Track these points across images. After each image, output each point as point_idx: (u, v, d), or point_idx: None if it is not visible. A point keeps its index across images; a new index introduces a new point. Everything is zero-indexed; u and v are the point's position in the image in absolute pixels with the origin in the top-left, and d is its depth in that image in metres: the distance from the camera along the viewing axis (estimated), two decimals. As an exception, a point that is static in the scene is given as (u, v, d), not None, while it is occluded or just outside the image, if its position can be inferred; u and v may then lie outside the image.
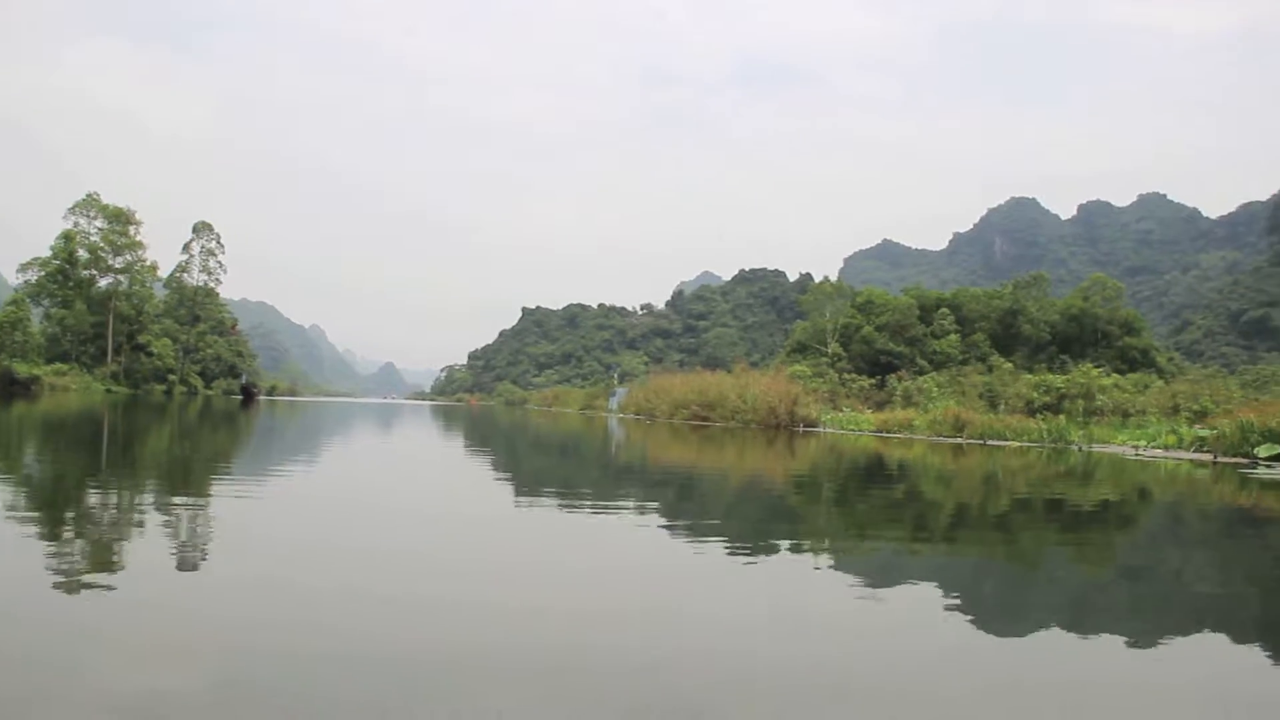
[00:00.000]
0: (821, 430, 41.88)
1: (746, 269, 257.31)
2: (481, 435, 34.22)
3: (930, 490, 15.59)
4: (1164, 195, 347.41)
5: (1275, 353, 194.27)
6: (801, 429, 41.98)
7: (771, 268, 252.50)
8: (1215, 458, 23.32)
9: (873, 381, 69.05)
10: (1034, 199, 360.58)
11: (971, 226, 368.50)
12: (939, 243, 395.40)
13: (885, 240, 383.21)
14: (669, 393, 53.93)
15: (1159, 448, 27.62)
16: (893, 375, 68.65)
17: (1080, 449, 28.70)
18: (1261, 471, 19.61)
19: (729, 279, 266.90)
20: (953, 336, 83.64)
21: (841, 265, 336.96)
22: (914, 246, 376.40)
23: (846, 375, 72.03)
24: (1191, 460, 23.48)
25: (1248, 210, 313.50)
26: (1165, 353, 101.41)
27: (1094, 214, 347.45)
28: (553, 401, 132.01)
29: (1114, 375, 50.56)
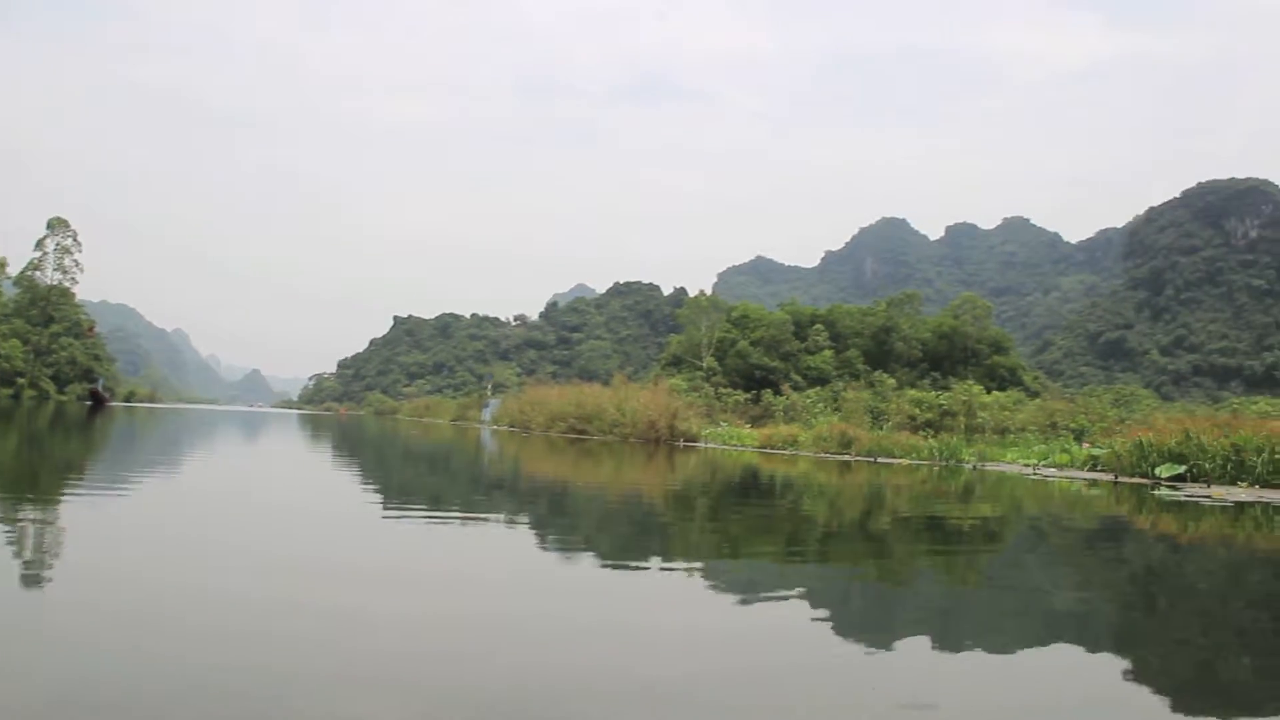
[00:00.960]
0: (703, 446, 40.83)
1: (621, 282, 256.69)
2: (350, 446, 33.04)
3: (817, 507, 15.26)
4: (1027, 220, 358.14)
5: (1130, 373, 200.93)
6: (682, 444, 40.87)
7: (646, 281, 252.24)
8: (1116, 478, 22.39)
9: (748, 396, 68.25)
10: (904, 220, 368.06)
11: (843, 245, 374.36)
12: (811, 260, 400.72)
13: (759, 256, 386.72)
14: (545, 404, 52.27)
15: (1051, 466, 26.98)
16: (767, 390, 68.03)
17: (975, 468, 27.77)
18: (1164, 492, 18.93)
19: (603, 291, 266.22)
20: (827, 353, 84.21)
21: (715, 280, 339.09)
22: (787, 263, 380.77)
23: (722, 389, 71.32)
24: (1091, 480, 22.71)
25: (1105, 236, 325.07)
26: (1030, 371, 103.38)
27: (961, 236, 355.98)
28: (424, 412, 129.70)
29: (994, 392, 50.24)
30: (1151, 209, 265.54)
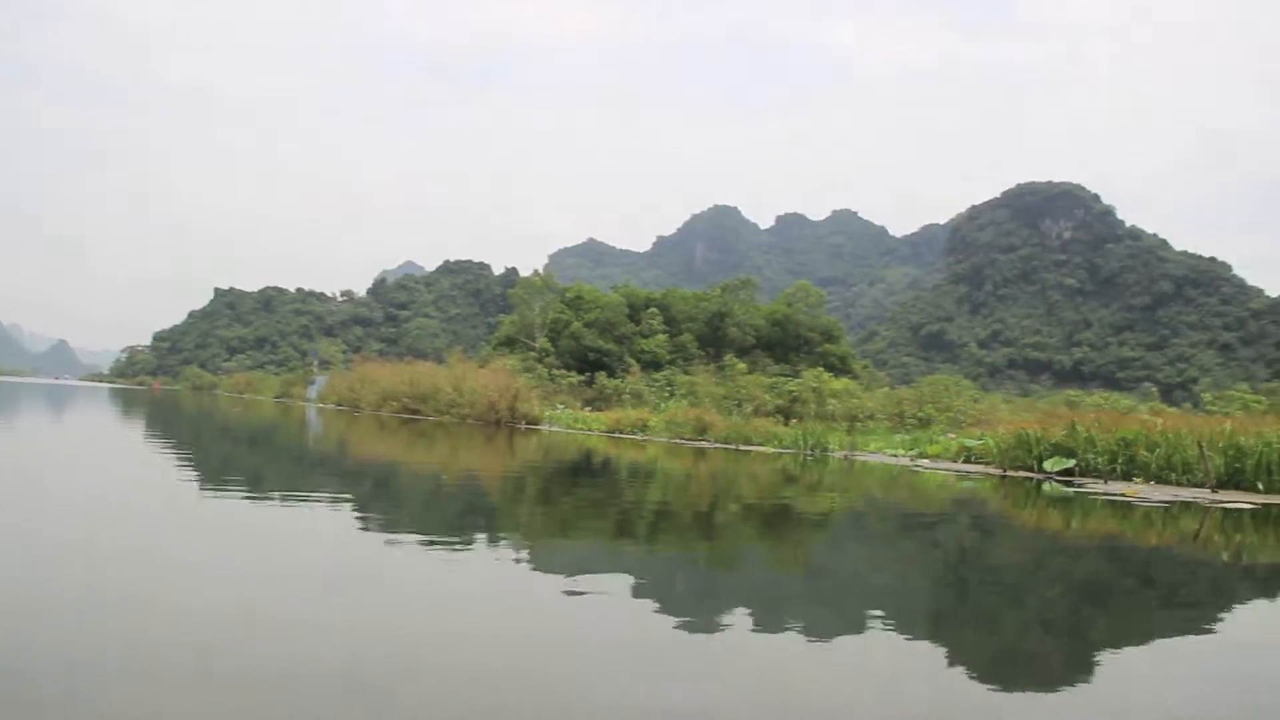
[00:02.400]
0: (547, 429, 39.06)
1: (451, 260, 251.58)
2: (162, 423, 31.24)
3: (667, 493, 15.04)
4: (855, 213, 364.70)
5: (949, 364, 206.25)
6: (524, 426, 39.00)
7: (477, 260, 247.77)
8: (1005, 472, 20.81)
9: (582, 378, 67.23)
10: (735, 208, 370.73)
11: (675, 231, 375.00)
12: (643, 244, 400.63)
13: (590, 239, 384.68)
14: (376, 383, 49.17)
15: (925, 457, 25.89)
16: (601, 373, 66.54)
17: (846, 458, 26.13)
18: (1056, 487, 18.00)
19: (433, 269, 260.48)
20: (661, 337, 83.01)
21: (547, 261, 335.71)
22: (619, 247, 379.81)
23: (555, 371, 69.28)
24: (980, 474, 21.53)
25: (929, 231, 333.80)
26: (859, 360, 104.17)
27: (791, 225, 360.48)
28: (245, 388, 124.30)
29: (844, 379, 49.09)
30: (973, 207, 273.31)
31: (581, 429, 38.73)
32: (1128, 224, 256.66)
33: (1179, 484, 17.93)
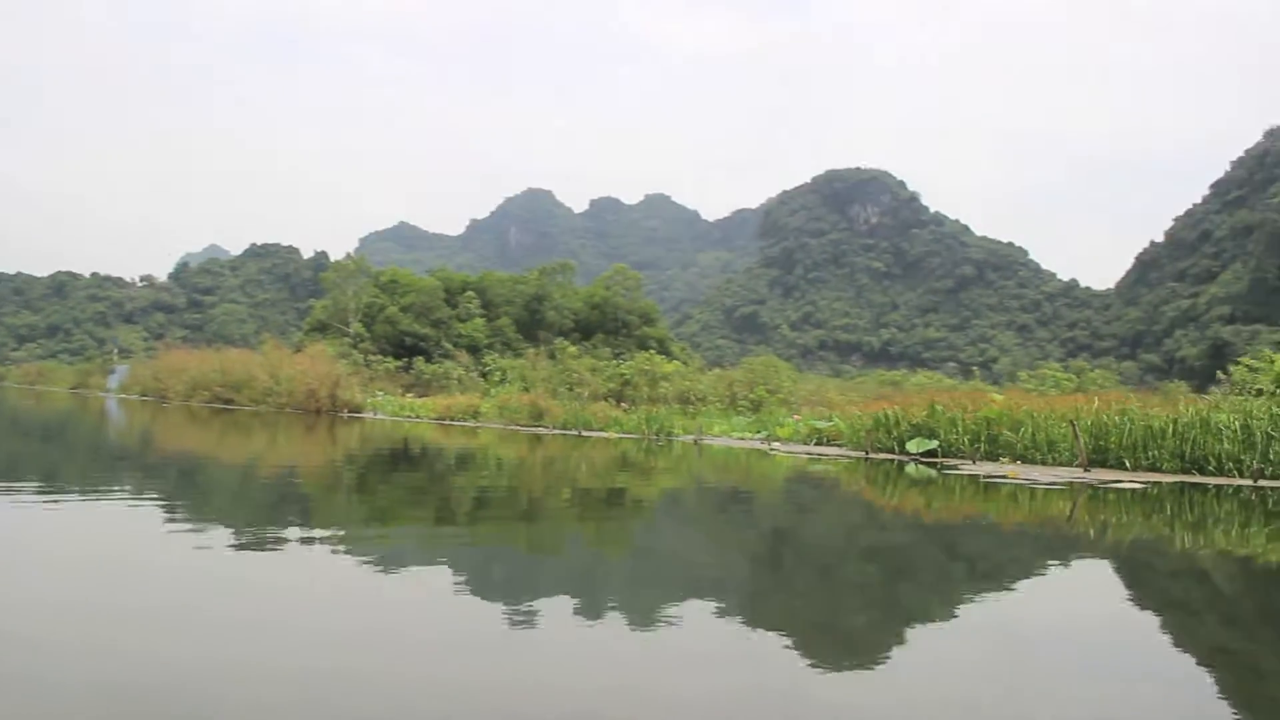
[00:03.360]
0: (371, 417, 37.23)
1: (258, 244, 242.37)
2: None
3: (500, 481, 14.75)
4: (669, 196, 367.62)
5: (763, 345, 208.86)
6: (346, 414, 37.04)
7: (285, 244, 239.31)
8: (867, 453, 20.01)
9: (400, 364, 65.59)
10: (549, 191, 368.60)
11: (488, 214, 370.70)
12: (456, 228, 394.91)
13: (402, 222, 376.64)
14: (184, 371, 45.82)
15: (774, 440, 25.05)
16: (419, 358, 64.96)
17: (696, 442, 25.05)
18: (920, 469, 17.28)
19: (239, 253, 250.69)
20: (479, 320, 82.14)
21: (357, 245, 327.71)
22: (431, 230, 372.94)
23: (371, 357, 67.06)
24: (836, 456, 20.63)
25: (741, 215, 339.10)
26: (677, 343, 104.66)
27: (605, 209, 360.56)
28: (36, 379, 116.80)
29: (674, 362, 48.17)
30: (784, 192, 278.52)
31: (409, 416, 36.95)
32: (932, 210, 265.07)
33: (1045, 464, 17.33)
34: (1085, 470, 15.93)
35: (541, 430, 29.15)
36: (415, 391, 54.67)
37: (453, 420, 34.26)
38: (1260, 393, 21.41)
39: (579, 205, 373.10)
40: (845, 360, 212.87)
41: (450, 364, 58.73)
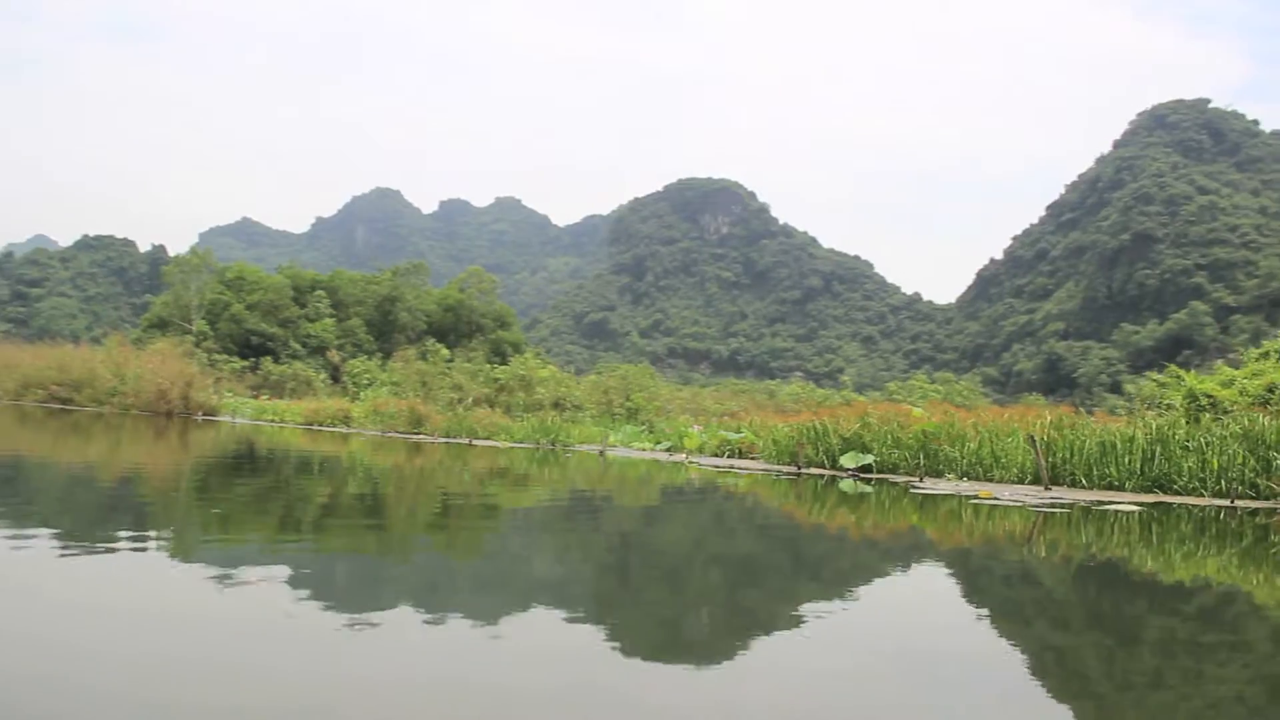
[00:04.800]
0: (230, 420, 34.74)
1: (90, 235, 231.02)
2: None
3: (358, 490, 13.85)
4: (519, 200, 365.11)
5: (612, 352, 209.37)
6: (200, 417, 34.19)
7: (120, 236, 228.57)
8: (799, 468, 18.61)
9: (246, 364, 63.20)
10: (398, 191, 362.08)
11: (335, 212, 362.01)
12: (301, 226, 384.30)
13: (244, 218, 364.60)
14: (15, 368, 41.84)
15: (679, 451, 23.83)
16: (266, 358, 62.54)
17: (601, 453, 23.47)
18: (857, 485, 16.07)
19: (69, 244, 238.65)
20: (328, 321, 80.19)
21: (197, 240, 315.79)
22: (275, 227, 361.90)
23: (216, 356, 63.69)
24: (760, 470, 19.11)
25: (591, 221, 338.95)
26: (532, 348, 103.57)
27: (454, 211, 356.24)
28: None
29: (550, 367, 46.38)
30: (636, 199, 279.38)
31: (272, 421, 34.58)
32: (781, 221, 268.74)
33: (993, 480, 16.21)
34: (1046, 489, 14.84)
35: (422, 438, 27.18)
36: (264, 393, 52.02)
37: (321, 426, 32.00)
38: (1170, 408, 20.92)
39: (428, 206, 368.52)
40: (694, 368, 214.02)
41: (299, 365, 56.05)
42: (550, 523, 11.24)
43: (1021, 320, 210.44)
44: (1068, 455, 15.80)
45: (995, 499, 13.58)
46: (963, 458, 16.86)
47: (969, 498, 13.83)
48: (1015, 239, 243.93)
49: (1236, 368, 23.54)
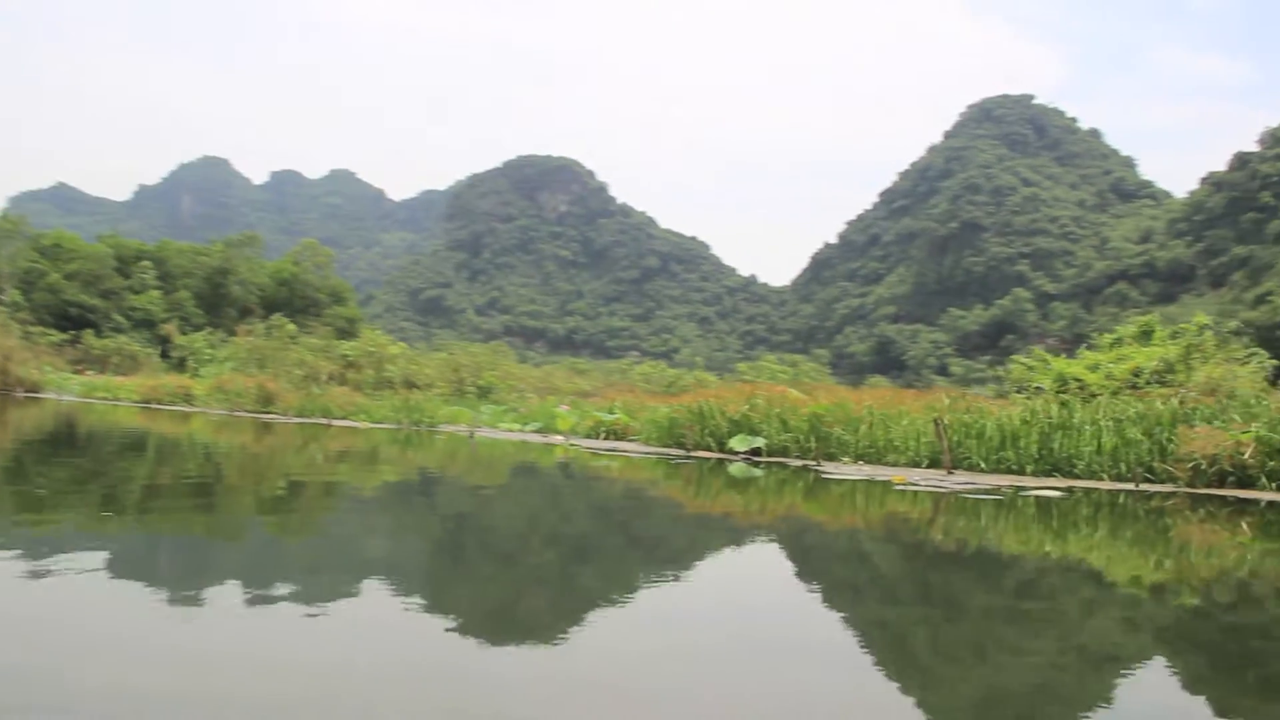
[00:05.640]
0: (57, 397, 32.48)
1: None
2: None
3: (196, 471, 12.95)
4: (354, 173, 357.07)
5: (448, 329, 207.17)
6: (21, 394, 32.05)
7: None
8: (689, 450, 17.87)
9: (66, 337, 60.11)
10: (226, 160, 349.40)
11: (159, 180, 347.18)
12: (122, 193, 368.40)
13: (60, 184, 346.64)
14: None
15: (554, 433, 22.93)
16: (88, 331, 59.78)
17: (471, 435, 22.30)
18: (742, 468, 15.61)
19: None
20: (155, 293, 78.07)
21: (6, 205, 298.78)
22: (93, 194, 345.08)
23: (31, 328, 59.94)
24: (654, 454, 18.23)
25: (428, 197, 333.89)
26: (369, 325, 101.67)
27: (286, 182, 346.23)
28: None
29: (400, 344, 44.69)
30: (475, 175, 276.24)
31: (104, 398, 32.47)
32: (620, 201, 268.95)
33: (889, 464, 15.73)
34: (949, 472, 14.41)
35: (274, 417, 25.65)
36: (88, 368, 49.29)
37: (160, 404, 30.00)
38: (1040, 390, 20.94)
39: (258, 176, 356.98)
40: (530, 346, 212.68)
41: (124, 339, 53.28)
42: (397, 503, 10.92)
43: (854, 303, 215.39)
44: (963, 438, 15.45)
45: (911, 484, 13.05)
46: (856, 441, 16.37)
47: (883, 482, 13.30)
48: (849, 224, 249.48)
49: (1055, 354, 23.93)
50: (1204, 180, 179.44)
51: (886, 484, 13.11)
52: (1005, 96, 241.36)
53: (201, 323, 71.23)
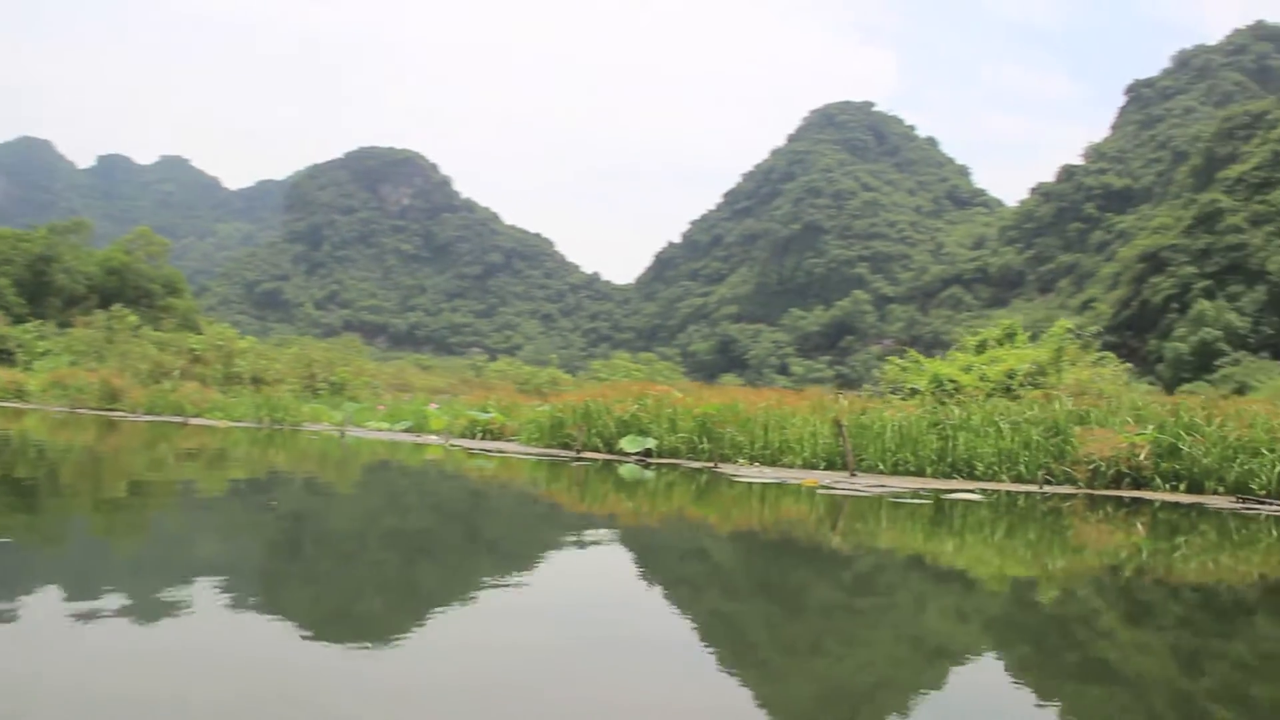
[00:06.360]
0: None
1: None
2: None
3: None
4: (187, 160, 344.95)
5: (285, 323, 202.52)
6: None
7: None
8: (578, 452, 17.20)
9: None
10: (48, 141, 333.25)
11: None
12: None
13: None
14: None
15: (428, 433, 22.12)
16: None
17: (343, 434, 21.20)
18: (635, 470, 15.20)
19: None
20: None
21: None
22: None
23: None
24: (541, 456, 17.53)
25: (265, 187, 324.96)
26: (205, 317, 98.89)
27: (114, 168, 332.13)
28: None
29: (248, 338, 42.71)
30: (315, 166, 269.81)
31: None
32: (464, 195, 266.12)
33: (787, 466, 15.39)
34: (852, 475, 14.13)
35: (121, 415, 24.12)
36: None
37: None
38: (915, 392, 20.99)
39: (84, 160, 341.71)
40: (371, 341, 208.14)
41: (21, 329, 50.35)
42: (240, 506, 10.24)
43: (697, 303, 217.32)
44: (860, 440, 15.21)
45: (830, 489, 12.70)
46: (750, 442, 15.98)
47: (794, 485, 12.92)
48: (693, 224, 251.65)
49: (897, 355, 24.32)
50: (1033, 190, 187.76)
51: (798, 488, 12.76)
52: (847, 103, 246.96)
53: (23, 313, 67.56)
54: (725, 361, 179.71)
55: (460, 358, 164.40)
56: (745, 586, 7.07)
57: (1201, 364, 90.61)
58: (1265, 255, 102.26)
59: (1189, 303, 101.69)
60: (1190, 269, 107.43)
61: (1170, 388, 60.65)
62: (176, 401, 25.08)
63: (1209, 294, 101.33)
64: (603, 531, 9.31)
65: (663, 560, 8.19)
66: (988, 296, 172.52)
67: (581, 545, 8.52)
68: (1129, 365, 27.64)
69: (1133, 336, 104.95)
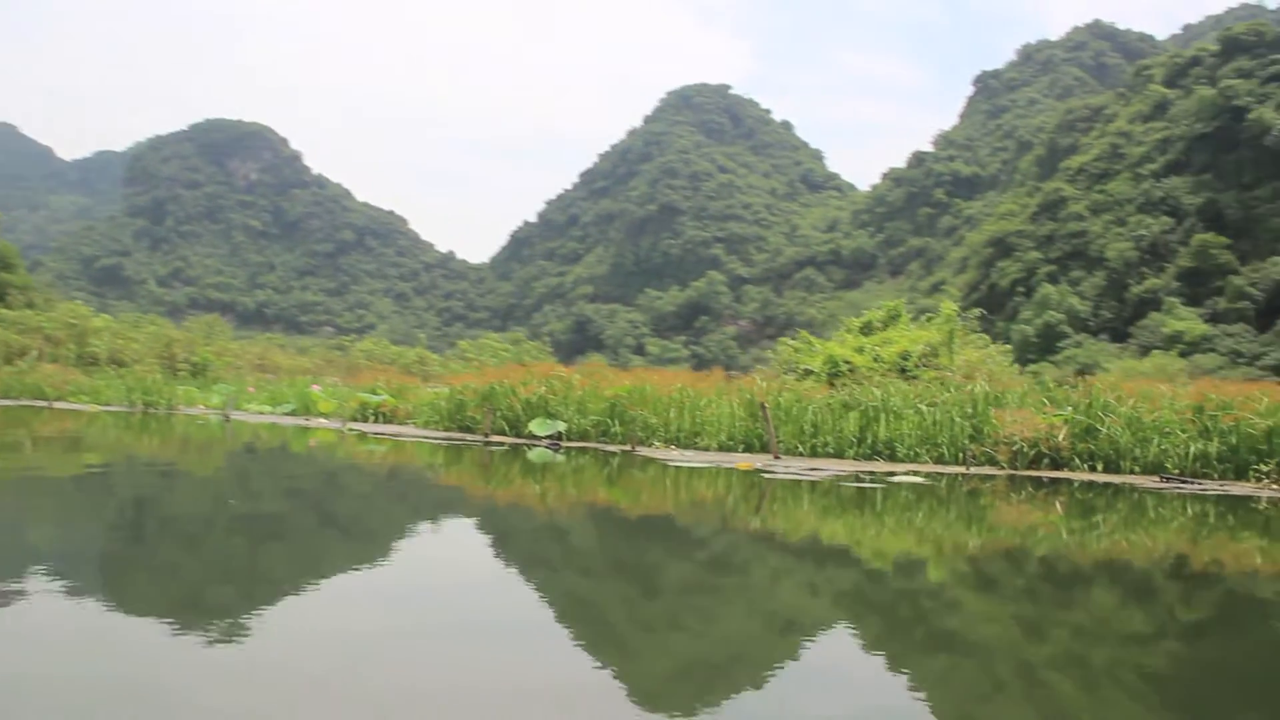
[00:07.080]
0: None
1: None
2: None
3: None
4: (15, 128, 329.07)
5: (126, 301, 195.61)
6: None
7: None
8: (487, 435, 16.44)
9: None
10: None
11: None
12: None
13: None
14: None
15: (319, 416, 21.18)
16: None
17: (226, 417, 20.03)
18: (545, 453, 14.56)
19: None
20: None
21: None
22: None
23: None
24: (448, 441, 16.69)
25: (103, 158, 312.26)
26: (42, 292, 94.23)
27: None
28: None
29: (103, 316, 40.55)
30: (157, 138, 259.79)
31: None
32: (314, 171, 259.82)
33: (703, 448, 15.02)
34: (776, 458, 13.82)
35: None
36: None
37: None
38: (809, 373, 20.91)
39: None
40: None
41: None
42: (86, 492, 9.64)
43: (553, 282, 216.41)
44: (779, 422, 14.93)
45: (762, 469, 12.35)
46: (664, 425, 15.57)
47: (728, 469, 12.54)
48: (549, 203, 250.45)
49: (751, 336, 24.31)
50: (885, 175, 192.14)
51: (731, 471, 12.40)
52: (704, 85, 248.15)
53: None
54: (581, 341, 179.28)
55: (311, 337, 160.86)
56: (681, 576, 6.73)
57: (1046, 346, 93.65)
58: (1104, 243, 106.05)
59: (1034, 286, 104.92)
60: (1035, 254, 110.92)
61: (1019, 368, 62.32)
62: (34, 384, 23.50)
63: (1053, 279, 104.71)
64: (512, 518, 9.03)
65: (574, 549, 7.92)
66: (840, 279, 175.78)
67: (479, 531, 8.35)
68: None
69: (981, 318, 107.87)
